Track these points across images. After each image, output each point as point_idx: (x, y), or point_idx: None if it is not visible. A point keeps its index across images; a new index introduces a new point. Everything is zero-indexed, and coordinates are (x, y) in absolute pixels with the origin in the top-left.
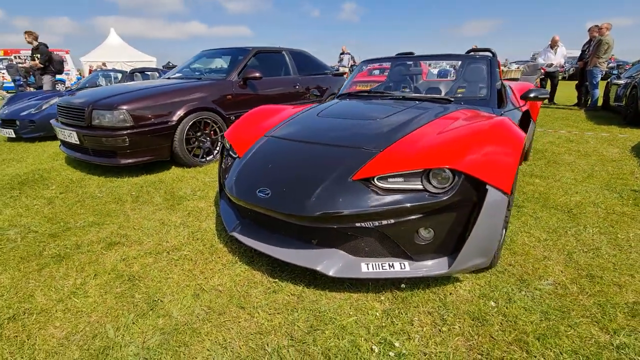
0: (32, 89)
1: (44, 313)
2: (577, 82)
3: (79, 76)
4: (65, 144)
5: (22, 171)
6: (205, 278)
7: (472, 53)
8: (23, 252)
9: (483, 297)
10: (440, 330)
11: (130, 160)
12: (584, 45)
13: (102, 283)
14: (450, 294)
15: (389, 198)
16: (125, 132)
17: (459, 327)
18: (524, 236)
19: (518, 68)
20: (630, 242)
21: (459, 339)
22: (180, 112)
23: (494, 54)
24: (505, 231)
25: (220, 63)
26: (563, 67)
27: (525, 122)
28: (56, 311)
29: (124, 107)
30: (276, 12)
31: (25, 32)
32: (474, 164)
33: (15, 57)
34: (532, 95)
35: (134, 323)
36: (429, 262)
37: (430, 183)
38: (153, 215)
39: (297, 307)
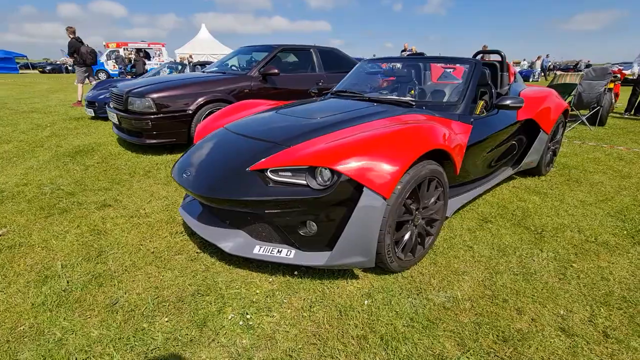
0: (129, 77)
1: (31, 248)
2: None
3: None
4: (114, 124)
5: (83, 143)
6: (150, 241)
7: (479, 54)
8: (44, 203)
9: (365, 296)
10: (301, 315)
11: (153, 141)
12: None
13: (78, 233)
14: (338, 287)
15: (276, 190)
16: (149, 117)
17: (321, 315)
18: (461, 249)
19: (571, 72)
20: (580, 274)
21: (312, 325)
22: (198, 102)
23: (502, 57)
24: (432, 239)
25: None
26: None
27: (527, 132)
28: (37, 247)
29: (150, 95)
30: (356, 6)
31: (66, 28)
32: (354, 167)
33: (124, 49)
34: (505, 103)
35: (78, 265)
36: (311, 254)
37: (314, 180)
38: (149, 188)
39: (199, 275)
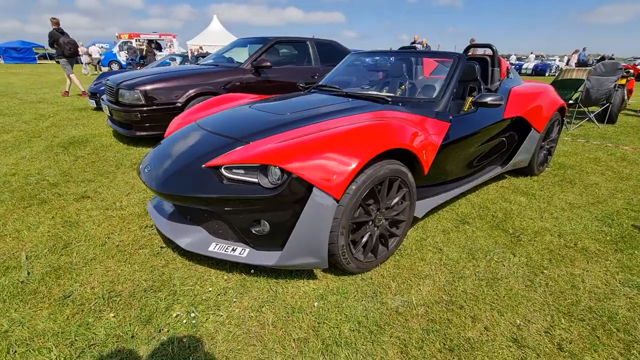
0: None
1: (2, 238)
2: None
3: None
4: (108, 116)
5: (79, 134)
6: (118, 234)
7: (470, 49)
8: (26, 193)
9: (318, 297)
10: (248, 315)
11: (143, 133)
12: None
13: (51, 224)
14: (292, 287)
15: (229, 187)
16: (138, 109)
17: (269, 316)
18: (429, 252)
19: (576, 67)
20: (549, 281)
21: (257, 325)
22: (187, 95)
23: (494, 51)
24: (397, 241)
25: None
26: None
27: (516, 130)
28: (8, 237)
29: (139, 88)
30: None
31: (50, 19)
32: (304, 166)
33: (136, 40)
34: (483, 100)
35: (43, 256)
36: (263, 253)
37: (266, 178)
38: (132, 180)
39: (156, 270)
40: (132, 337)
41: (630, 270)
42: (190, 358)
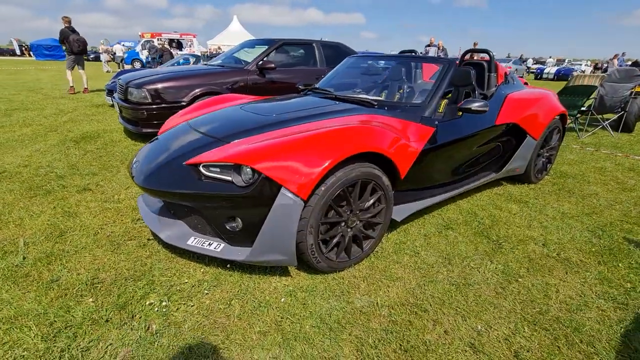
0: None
1: (5, 224)
2: None
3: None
4: (119, 113)
5: (92, 129)
6: (111, 225)
7: (468, 53)
8: (34, 184)
9: (287, 293)
10: (217, 307)
11: (149, 130)
12: None
13: (52, 213)
14: (264, 283)
15: (205, 184)
16: (144, 107)
17: (236, 309)
18: (406, 255)
19: (593, 73)
20: (521, 290)
21: (223, 317)
22: (192, 94)
23: (491, 57)
24: (372, 243)
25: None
26: None
27: (511, 137)
28: (11, 224)
29: (146, 87)
30: None
31: (62, 17)
32: (274, 167)
33: (157, 39)
34: (468, 106)
35: (40, 242)
36: (236, 249)
37: (239, 177)
38: None
39: (140, 261)
40: (106, 321)
41: (609, 283)
42: (156, 343)
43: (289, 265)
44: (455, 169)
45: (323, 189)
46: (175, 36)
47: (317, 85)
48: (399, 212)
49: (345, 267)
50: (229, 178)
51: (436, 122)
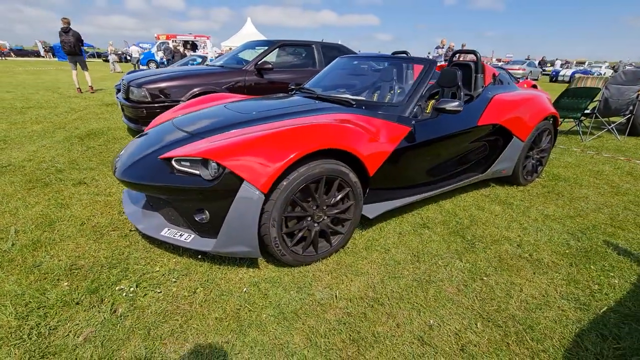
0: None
1: (1, 213)
2: None
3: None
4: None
5: (98, 127)
6: (98, 217)
7: (456, 54)
8: (34, 177)
9: (251, 284)
10: (182, 295)
11: None
12: None
13: (45, 205)
14: (231, 273)
15: (176, 177)
16: (143, 106)
17: (200, 297)
18: (376, 251)
19: (597, 74)
20: (484, 288)
21: (186, 303)
22: (190, 93)
23: (477, 57)
24: (341, 238)
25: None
26: None
27: (496, 138)
28: (7, 214)
29: (146, 86)
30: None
31: (62, 18)
32: (237, 161)
33: (172, 41)
34: (442, 106)
35: (30, 231)
36: (204, 240)
37: (206, 170)
38: None
39: (119, 250)
40: (77, 303)
41: (576, 284)
42: (118, 325)
43: (254, 257)
44: (434, 169)
45: (285, 183)
46: (190, 38)
47: (304, 85)
48: (372, 209)
49: (313, 261)
50: (197, 172)
51: (413, 122)
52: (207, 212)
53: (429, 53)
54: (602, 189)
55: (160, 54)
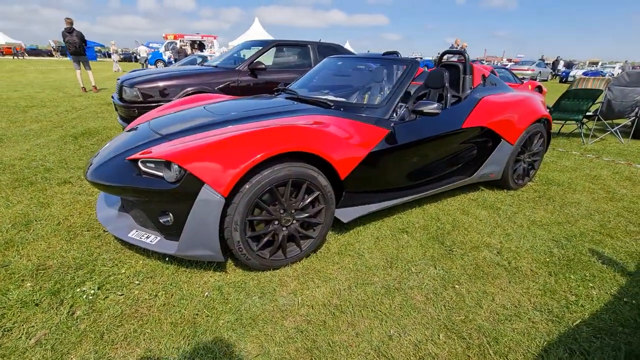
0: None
1: None
2: None
3: None
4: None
5: (94, 126)
6: (75, 217)
7: (445, 55)
8: (21, 176)
9: (214, 288)
10: (143, 297)
11: None
12: None
13: (27, 204)
14: (196, 277)
15: (140, 179)
16: (135, 106)
17: (160, 300)
18: (349, 256)
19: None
20: (454, 296)
21: (145, 307)
22: (182, 93)
23: (466, 58)
24: (312, 243)
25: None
26: None
27: (484, 141)
28: None
29: (137, 86)
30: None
31: (65, 19)
32: (198, 164)
33: (180, 41)
34: (420, 109)
35: (6, 230)
36: (169, 242)
37: (169, 172)
38: None
39: (89, 251)
40: (36, 305)
41: (552, 294)
42: (73, 328)
43: (218, 261)
44: (416, 173)
45: (247, 186)
46: (197, 38)
47: (289, 86)
48: (347, 213)
49: (281, 265)
50: (161, 174)
51: (392, 124)
52: (171, 214)
53: (438, 53)
54: (597, 194)
55: (168, 53)
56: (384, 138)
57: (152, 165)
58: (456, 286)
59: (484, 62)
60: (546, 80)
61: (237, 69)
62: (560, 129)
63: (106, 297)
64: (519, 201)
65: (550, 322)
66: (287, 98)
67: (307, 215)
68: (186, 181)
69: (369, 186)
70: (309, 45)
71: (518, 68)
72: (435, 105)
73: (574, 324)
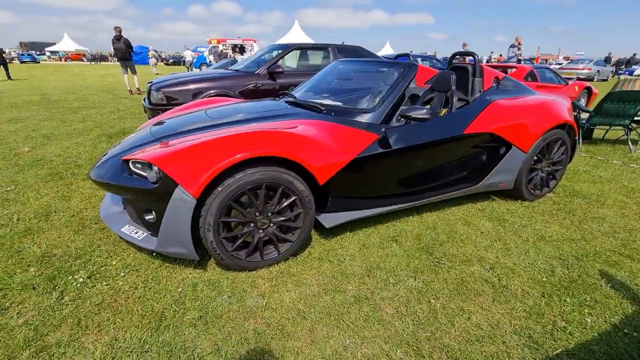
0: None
1: (14, 202)
2: None
3: None
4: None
5: (130, 126)
6: (90, 209)
7: (456, 56)
8: (55, 171)
9: (188, 285)
10: (123, 289)
11: None
12: None
13: (53, 196)
14: (175, 273)
15: (130, 179)
16: (160, 108)
17: (139, 292)
18: (328, 262)
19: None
20: (427, 312)
21: (123, 298)
22: (203, 95)
23: (475, 60)
24: (290, 246)
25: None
26: None
27: (492, 148)
28: (18, 202)
29: (163, 90)
30: None
31: (114, 27)
32: (176, 166)
33: (222, 45)
34: (408, 114)
35: (28, 219)
36: (153, 238)
37: (152, 173)
38: None
39: (90, 241)
40: (33, 288)
41: (539, 318)
42: (57, 312)
43: (192, 259)
44: (410, 180)
45: (220, 189)
46: (238, 41)
47: (291, 90)
48: (331, 218)
49: (257, 267)
50: (145, 174)
51: (383, 129)
52: (154, 212)
53: (492, 53)
54: (629, 210)
55: (211, 57)
56: (373, 143)
57: (139, 166)
58: (432, 301)
59: (527, 61)
60: (606, 80)
61: (256, 72)
62: (604, 135)
63: (93, 286)
64: (532, 213)
65: (527, 347)
66: (286, 102)
67: (284, 219)
68: (164, 182)
69: (356, 192)
70: (329, 48)
71: (571, 67)
72: (424, 110)
73: (554, 352)
